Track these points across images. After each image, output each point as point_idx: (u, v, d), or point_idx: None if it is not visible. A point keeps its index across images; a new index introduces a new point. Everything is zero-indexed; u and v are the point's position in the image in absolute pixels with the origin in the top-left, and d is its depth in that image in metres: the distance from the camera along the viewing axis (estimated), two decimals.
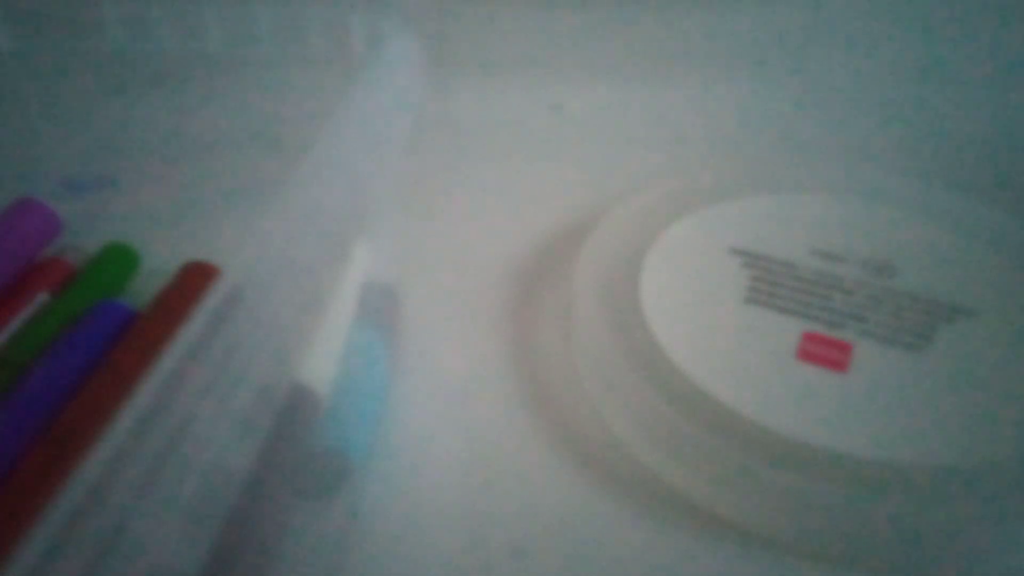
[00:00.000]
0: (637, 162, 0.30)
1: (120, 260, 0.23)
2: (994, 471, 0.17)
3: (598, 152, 0.31)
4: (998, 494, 0.17)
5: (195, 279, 0.21)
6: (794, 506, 0.17)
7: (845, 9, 0.36)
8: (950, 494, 0.17)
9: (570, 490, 0.19)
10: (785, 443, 0.18)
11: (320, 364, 0.17)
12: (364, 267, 0.20)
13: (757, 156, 0.31)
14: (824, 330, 0.21)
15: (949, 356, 0.20)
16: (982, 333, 0.20)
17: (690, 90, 0.34)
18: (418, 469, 0.19)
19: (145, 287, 0.22)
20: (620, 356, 0.20)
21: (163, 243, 0.23)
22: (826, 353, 0.20)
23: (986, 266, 0.22)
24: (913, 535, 0.17)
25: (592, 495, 0.19)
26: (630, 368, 0.19)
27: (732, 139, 0.32)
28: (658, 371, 0.19)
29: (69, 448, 0.16)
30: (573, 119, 0.33)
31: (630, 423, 0.20)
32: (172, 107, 0.27)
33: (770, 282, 0.22)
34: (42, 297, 0.21)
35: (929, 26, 0.36)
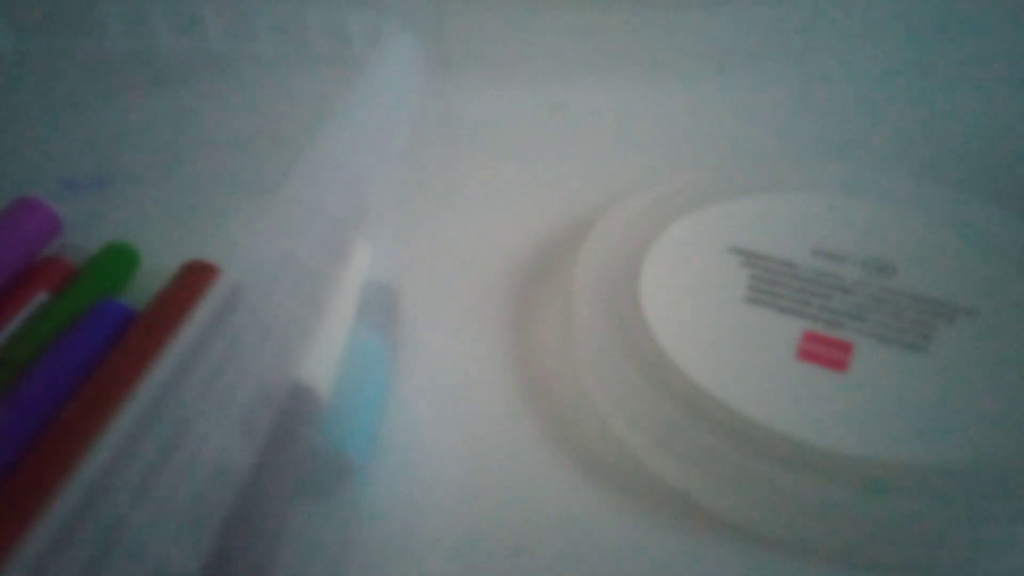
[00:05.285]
0: (637, 162, 0.30)
1: (120, 260, 0.23)
2: (994, 471, 0.17)
3: (598, 152, 0.31)
4: (998, 494, 0.17)
5: (195, 279, 0.21)
6: (794, 505, 0.17)
7: (844, 9, 0.36)
8: (950, 494, 0.17)
9: (570, 489, 0.19)
10: (785, 442, 0.18)
11: (320, 364, 0.17)
12: (364, 267, 0.20)
13: (757, 156, 0.31)
14: (824, 330, 0.21)
15: (949, 356, 0.20)
16: (982, 333, 0.20)
17: (690, 90, 0.34)
18: (418, 469, 0.19)
19: (145, 287, 0.22)
20: (620, 356, 0.20)
21: (163, 243, 0.23)
22: (826, 353, 0.20)
23: (986, 266, 0.22)
24: (913, 535, 0.17)
25: (591, 494, 0.19)
26: (630, 368, 0.19)
27: (732, 139, 0.32)
28: (658, 371, 0.19)
29: (69, 448, 0.16)
30: (573, 119, 0.33)
31: (629, 422, 0.20)
32: (172, 107, 0.27)
33: (770, 282, 0.22)
34: (42, 296, 0.21)
35: (928, 26, 0.36)
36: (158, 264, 0.23)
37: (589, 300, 0.21)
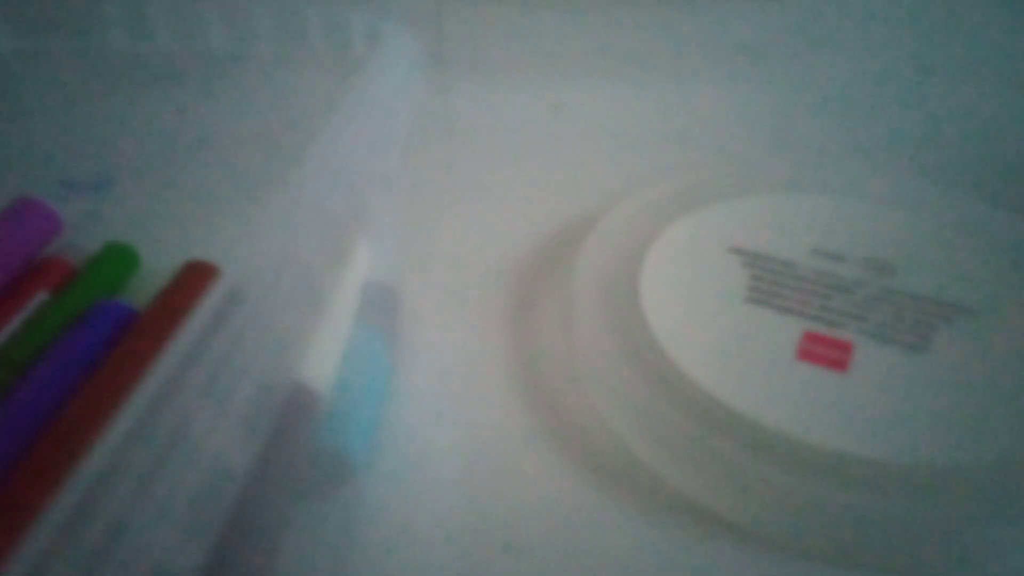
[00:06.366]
0: (637, 162, 0.30)
1: (120, 260, 0.23)
2: (994, 471, 0.17)
3: (598, 152, 0.31)
4: (998, 494, 0.17)
5: (195, 279, 0.21)
6: (793, 505, 0.17)
7: (844, 9, 0.36)
8: (950, 494, 0.17)
9: (570, 489, 0.19)
10: (785, 442, 0.18)
11: (320, 364, 0.17)
12: (364, 267, 0.20)
13: (757, 156, 0.31)
14: (824, 330, 0.21)
15: (949, 356, 0.20)
16: (982, 333, 0.20)
17: (690, 90, 0.34)
18: (418, 469, 0.19)
19: (145, 287, 0.22)
20: (620, 356, 0.20)
21: (163, 243, 0.23)
22: (826, 353, 0.20)
23: (986, 266, 0.22)
24: (913, 535, 0.17)
25: (591, 494, 0.19)
26: (630, 368, 0.19)
27: (732, 139, 0.32)
28: (658, 371, 0.19)
29: (69, 448, 0.16)
30: (573, 119, 0.33)
31: (629, 422, 0.20)
32: (172, 106, 0.27)
33: (770, 282, 0.22)
34: (42, 296, 0.21)
35: (928, 25, 0.36)
36: (158, 264, 0.23)
37: (589, 300, 0.21)
